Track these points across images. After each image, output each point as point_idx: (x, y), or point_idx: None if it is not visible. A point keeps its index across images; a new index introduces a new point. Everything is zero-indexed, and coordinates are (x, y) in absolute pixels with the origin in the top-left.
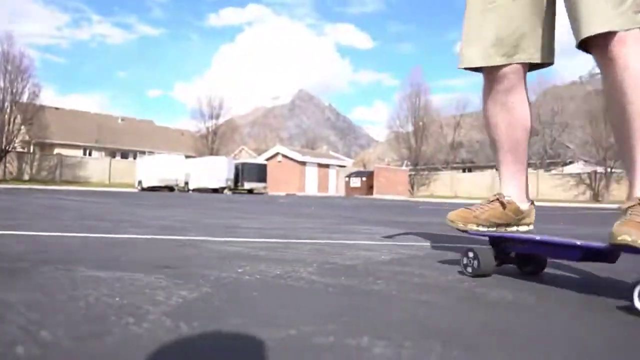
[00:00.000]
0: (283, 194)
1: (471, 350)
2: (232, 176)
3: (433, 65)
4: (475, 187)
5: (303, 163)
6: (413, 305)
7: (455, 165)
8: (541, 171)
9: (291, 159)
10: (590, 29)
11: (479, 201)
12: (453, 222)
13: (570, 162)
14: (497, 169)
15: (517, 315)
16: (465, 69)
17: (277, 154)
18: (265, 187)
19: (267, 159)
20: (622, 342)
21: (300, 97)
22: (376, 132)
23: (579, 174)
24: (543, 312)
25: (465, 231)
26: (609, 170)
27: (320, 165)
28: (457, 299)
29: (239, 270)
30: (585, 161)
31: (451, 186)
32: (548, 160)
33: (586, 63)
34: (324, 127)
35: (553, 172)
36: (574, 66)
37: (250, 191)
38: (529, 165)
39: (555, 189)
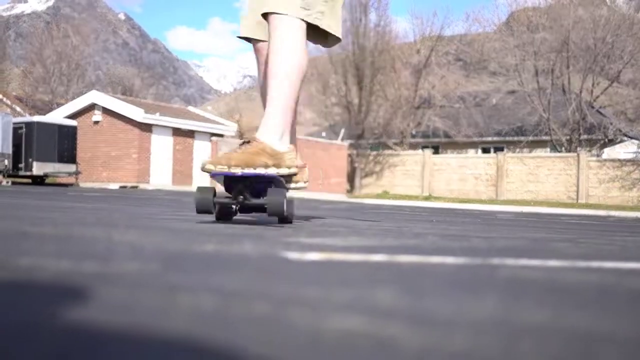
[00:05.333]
0: (113, 186)
1: None
2: (9, 149)
3: None
4: (465, 179)
5: (147, 126)
6: None
7: (424, 140)
8: (583, 153)
9: (122, 117)
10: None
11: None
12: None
13: (611, 141)
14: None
15: None
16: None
17: (91, 106)
18: (75, 174)
19: (73, 117)
20: None
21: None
22: (214, 74)
23: None
24: None
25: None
26: None
27: (178, 131)
28: None
29: None
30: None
31: (422, 177)
32: (584, 137)
33: None
34: (117, 58)
35: (604, 156)
36: None
37: (41, 180)
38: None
39: (609, 185)
